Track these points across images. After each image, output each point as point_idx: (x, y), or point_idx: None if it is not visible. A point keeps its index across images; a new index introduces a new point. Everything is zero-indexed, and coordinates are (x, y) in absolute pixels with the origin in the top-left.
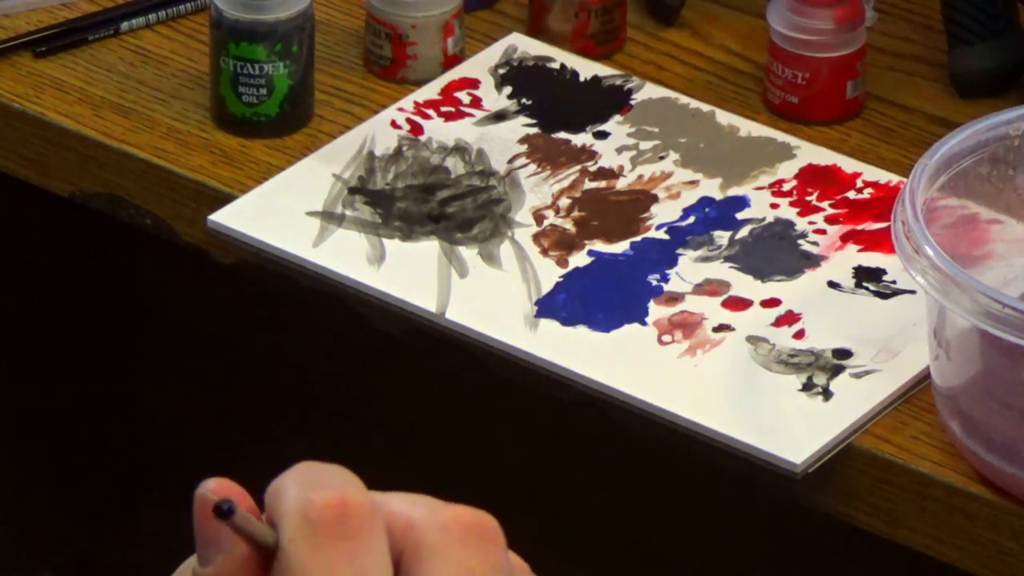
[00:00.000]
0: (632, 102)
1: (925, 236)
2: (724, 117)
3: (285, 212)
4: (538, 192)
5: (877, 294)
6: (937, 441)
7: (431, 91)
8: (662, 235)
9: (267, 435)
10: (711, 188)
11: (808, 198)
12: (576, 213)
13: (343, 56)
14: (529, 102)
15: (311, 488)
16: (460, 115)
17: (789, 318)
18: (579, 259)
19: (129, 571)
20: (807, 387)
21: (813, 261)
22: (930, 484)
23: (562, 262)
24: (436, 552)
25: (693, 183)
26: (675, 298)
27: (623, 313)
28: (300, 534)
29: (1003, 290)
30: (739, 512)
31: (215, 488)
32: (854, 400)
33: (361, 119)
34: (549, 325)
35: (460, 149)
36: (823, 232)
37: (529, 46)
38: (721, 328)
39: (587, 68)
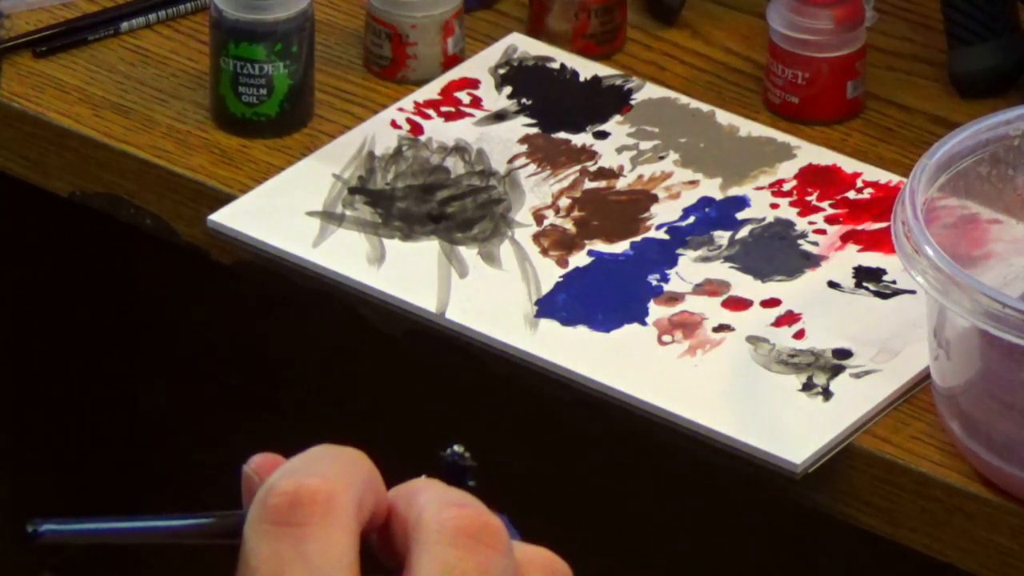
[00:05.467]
0: (632, 102)
1: (925, 236)
2: (724, 117)
3: (285, 212)
4: (538, 192)
5: (877, 294)
6: (937, 441)
7: (431, 91)
8: (662, 235)
9: (267, 435)
10: (711, 188)
11: (808, 198)
12: (576, 213)
13: (343, 56)
14: (529, 102)
15: (284, 475)
16: (460, 115)
17: (789, 318)
18: (579, 259)
19: (129, 571)
20: (807, 387)
21: (813, 261)
22: (930, 484)
23: (562, 262)
24: (425, 548)
25: (693, 183)
26: (675, 298)
27: (623, 313)
28: (255, 520)
29: (1003, 290)
30: (739, 512)
31: (255, 465)
32: (854, 400)
33: (361, 119)
34: (549, 325)
35: (460, 149)
36: (823, 232)
37: (529, 46)
38: (721, 328)
39: (587, 68)
